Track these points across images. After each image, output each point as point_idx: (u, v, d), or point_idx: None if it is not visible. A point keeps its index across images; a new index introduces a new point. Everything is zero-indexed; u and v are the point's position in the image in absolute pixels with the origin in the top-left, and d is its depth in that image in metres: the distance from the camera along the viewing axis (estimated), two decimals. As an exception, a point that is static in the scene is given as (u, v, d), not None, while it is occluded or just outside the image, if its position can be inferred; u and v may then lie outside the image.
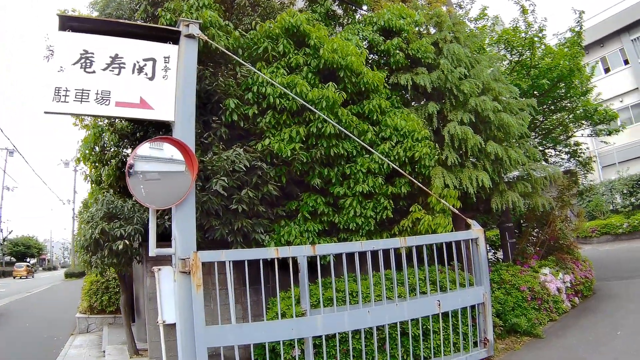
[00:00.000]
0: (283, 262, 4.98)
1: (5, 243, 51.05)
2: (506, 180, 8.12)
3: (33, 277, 46.40)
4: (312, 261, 5.19)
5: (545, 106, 12.10)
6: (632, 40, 26.55)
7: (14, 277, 43.27)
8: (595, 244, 20.56)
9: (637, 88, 26.12)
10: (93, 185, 7.87)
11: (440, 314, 5.64)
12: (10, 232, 52.78)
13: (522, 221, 10.14)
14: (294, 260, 5.01)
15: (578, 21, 12.58)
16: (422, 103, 8.09)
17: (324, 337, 5.00)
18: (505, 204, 7.43)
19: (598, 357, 5.64)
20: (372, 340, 5.24)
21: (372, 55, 8.26)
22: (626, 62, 26.89)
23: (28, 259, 56.27)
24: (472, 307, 5.98)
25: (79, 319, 10.93)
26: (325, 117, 6.06)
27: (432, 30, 8.72)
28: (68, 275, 34.52)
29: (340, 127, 6.10)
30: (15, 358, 8.43)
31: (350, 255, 5.28)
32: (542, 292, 7.63)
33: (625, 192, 22.74)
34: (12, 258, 54.57)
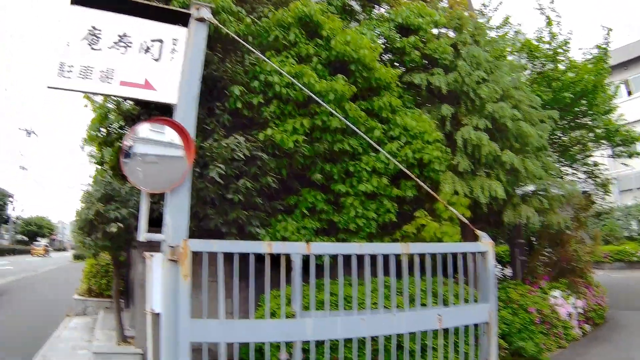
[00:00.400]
0: (276, 259, 4.68)
1: (18, 221, 52.01)
2: (520, 193, 7.75)
3: (50, 255, 47.24)
4: (306, 260, 4.88)
5: (565, 121, 11.71)
6: None
7: (32, 255, 44.00)
8: (608, 269, 20.05)
9: (662, 114, 25.69)
10: (97, 166, 7.81)
11: (440, 330, 5.25)
12: (22, 211, 53.83)
13: (533, 239, 9.73)
14: (287, 257, 4.66)
15: (606, 38, 12.23)
16: (435, 105, 7.76)
17: (313, 343, 4.61)
18: (518, 219, 7.06)
19: None
20: (364, 351, 4.84)
21: (387, 54, 7.98)
22: None
23: (39, 239, 57.15)
24: (476, 325, 5.55)
25: (76, 301, 10.83)
26: (332, 111, 5.73)
27: (452, 34, 8.43)
28: (76, 257, 33.45)
29: (346, 122, 5.76)
30: (11, 336, 8.44)
31: (348, 258, 4.89)
32: (552, 316, 7.25)
33: (641, 219, 22.33)
34: (24, 237, 55.56)
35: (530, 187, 8.06)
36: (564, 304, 7.68)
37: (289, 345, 4.66)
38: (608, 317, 9.33)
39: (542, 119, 8.06)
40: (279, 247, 4.66)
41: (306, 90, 5.69)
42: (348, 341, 4.81)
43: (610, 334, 8.13)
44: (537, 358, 6.45)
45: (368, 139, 5.84)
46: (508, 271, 9.66)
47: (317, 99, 5.66)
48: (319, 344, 4.76)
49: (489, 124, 6.99)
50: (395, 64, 7.93)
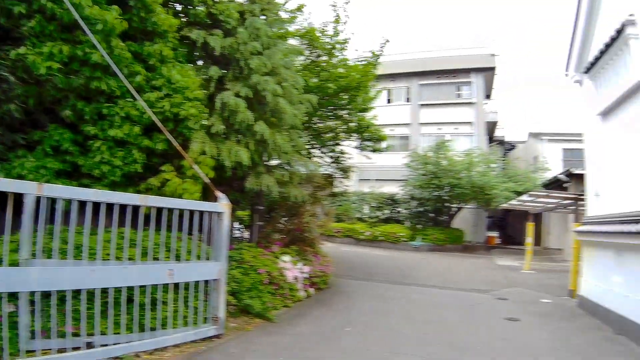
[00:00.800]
0: (6, 199, 4.15)
1: None
2: (268, 164, 8.28)
3: None
4: (39, 203, 4.41)
5: (324, 110, 12.95)
6: (419, 84, 31.06)
7: None
8: (338, 243, 22.94)
9: (409, 124, 30.61)
10: None
11: (172, 284, 5.40)
12: None
13: (274, 207, 10.46)
14: (19, 199, 4.22)
15: (381, 47, 13.73)
16: (206, 65, 7.72)
17: (39, 294, 4.30)
18: (259, 186, 7.50)
19: (326, 349, 5.87)
20: (94, 303, 4.67)
21: (174, 3, 7.72)
22: (408, 100, 31.33)
23: None
24: (206, 281, 5.89)
25: None
26: (96, 42, 5.22)
27: (244, 2, 8.45)
28: None
29: (109, 59, 5.34)
30: None
31: (84, 204, 4.70)
32: (280, 278, 7.94)
33: (374, 205, 26.20)
34: None
35: (279, 161, 8.64)
36: (292, 269, 8.48)
37: (15, 296, 4.27)
38: (332, 283, 10.58)
39: (301, 101, 8.61)
40: (5, 185, 4.22)
41: (73, 10, 5.07)
42: (77, 292, 4.64)
43: (331, 298, 9.16)
44: (264, 315, 7.01)
45: (128, 83, 5.57)
46: (247, 234, 10.23)
47: (83, 24, 5.11)
48: (46, 295, 4.45)
49: (251, 94, 7.20)
50: (180, 15, 7.65)
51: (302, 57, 12.07)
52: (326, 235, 22.58)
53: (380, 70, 14.53)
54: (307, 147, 13.07)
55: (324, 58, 12.51)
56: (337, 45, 12.69)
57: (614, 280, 7.91)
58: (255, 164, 7.55)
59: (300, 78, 8.84)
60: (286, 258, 8.53)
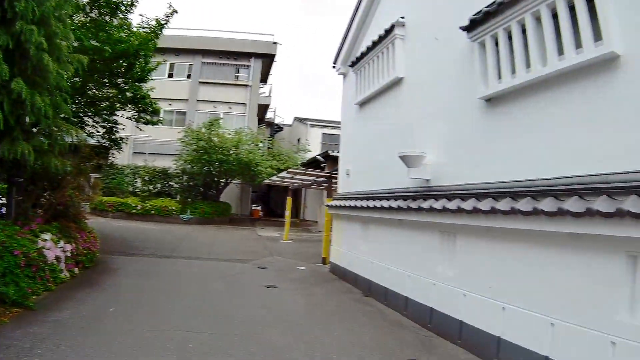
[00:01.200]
0: None
1: None
2: (28, 130, 7.14)
3: None
4: None
5: (101, 74, 11.93)
6: (202, 62, 31.52)
7: None
8: (111, 218, 22.22)
9: (187, 100, 30.69)
10: None
11: None
12: None
13: (36, 179, 9.25)
14: None
15: (167, 17, 13.04)
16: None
17: None
18: (15, 154, 6.45)
19: (88, 334, 5.43)
20: None
21: None
22: (189, 76, 31.52)
23: None
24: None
25: None
26: None
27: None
28: None
29: None
30: None
31: None
32: (39, 259, 7.08)
33: (146, 179, 25.68)
34: None
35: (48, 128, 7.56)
36: (53, 248, 7.69)
37: None
38: (99, 261, 10.00)
39: (70, 61, 7.56)
40: None
41: None
42: None
43: (97, 277, 8.63)
44: (22, 302, 6.17)
45: None
46: (4, 210, 8.83)
47: None
48: None
49: (12, 44, 6.09)
50: None
51: (82, 14, 10.73)
52: (98, 210, 21.70)
53: (165, 44, 14.08)
54: (80, 114, 11.95)
55: (107, 18, 11.37)
56: (122, 7, 11.67)
57: (361, 249, 9.36)
58: (11, 128, 6.39)
59: (72, 34, 7.77)
60: (46, 236, 7.66)
